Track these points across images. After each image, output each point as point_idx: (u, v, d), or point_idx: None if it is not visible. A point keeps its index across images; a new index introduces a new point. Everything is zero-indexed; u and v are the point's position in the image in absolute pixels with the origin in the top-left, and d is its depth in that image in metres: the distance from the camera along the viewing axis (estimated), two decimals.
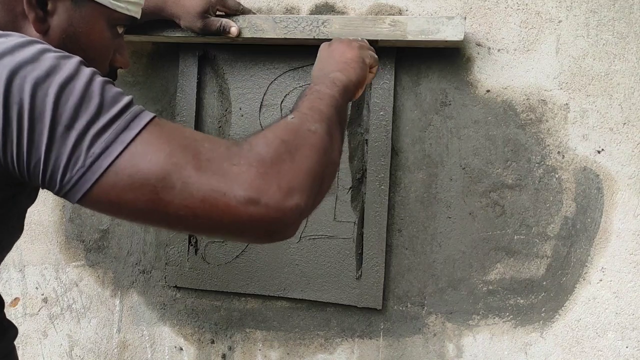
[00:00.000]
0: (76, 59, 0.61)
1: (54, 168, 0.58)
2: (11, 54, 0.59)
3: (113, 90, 0.61)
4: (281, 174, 0.61)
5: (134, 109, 0.61)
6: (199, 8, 1.02)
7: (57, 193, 0.60)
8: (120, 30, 0.83)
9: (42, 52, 0.60)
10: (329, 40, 1.00)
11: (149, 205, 0.59)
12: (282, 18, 1.05)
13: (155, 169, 0.58)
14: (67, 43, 0.74)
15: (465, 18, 0.99)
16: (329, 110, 0.74)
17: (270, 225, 0.60)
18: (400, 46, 1.07)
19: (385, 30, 1.01)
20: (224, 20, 1.05)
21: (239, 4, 1.09)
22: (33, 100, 0.56)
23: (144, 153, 0.58)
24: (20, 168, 0.59)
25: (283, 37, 1.05)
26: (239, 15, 1.08)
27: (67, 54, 0.62)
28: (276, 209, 0.60)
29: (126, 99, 0.61)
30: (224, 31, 1.05)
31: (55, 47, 0.66)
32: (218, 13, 1.08)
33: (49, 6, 0.72)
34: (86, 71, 0.60)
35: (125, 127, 0.59)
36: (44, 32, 0.72)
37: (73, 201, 0.60)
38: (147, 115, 0.61)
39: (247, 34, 1.07)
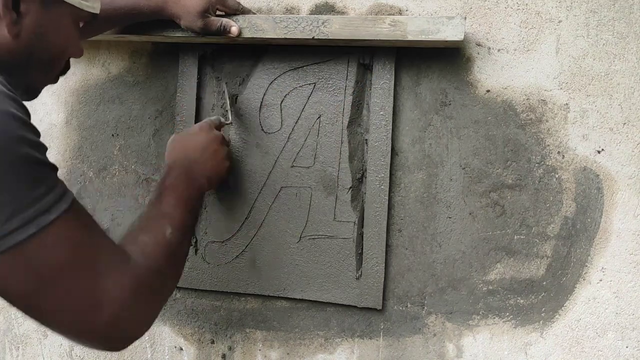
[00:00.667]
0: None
1: None
2: None
3: (44, 163, 0.65)
4: (149, 304, 0.73)
5: (58, 189, 0.66)
6: (199, 7, 1.02)
7: None
8: (81, 25, 0.85)
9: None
10: (328, 39, 1.01)
11: (28, 295, 0.63)
12: (282, 18, 1.05)
13: (55, 263, 0.63)
14: (34, 43, 0.75)
15: (465, 18, 0.99)
16: (193, 225, 0.90)
17: (114, 341, 0.71)
18: (400, 46, 1.07)
19: (385, 30, 1.01)
20: (224, 20, 1.05)
21: (239, 3, 1.09)
22: None
23: (49, 247, 0.63)
24: None
25: (283, 37, 1.06)
26: (238, 15, 1.08)
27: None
28: (129, 333, 0.72)
29: (53, 178, 0.66)
30: (224, 31, 1.05)
31: (23, 47, 0.72)
32: (218, 13, 1.08)
33: (22, 8, 0.73)
34: (30, 149, 0.63)
35: (46, 211, 0.63)
36: (16, 35, 0.73)
37: None
38: (67, 200, 0.66)
39: (247, 34, 1.07)
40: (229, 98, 1.15)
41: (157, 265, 0.75)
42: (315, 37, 1.04)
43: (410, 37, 1.00)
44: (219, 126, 1.06)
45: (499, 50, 1.07)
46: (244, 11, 1.10)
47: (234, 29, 1.05)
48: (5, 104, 0.63)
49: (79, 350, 1.29)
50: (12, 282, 0.62)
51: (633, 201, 1.03)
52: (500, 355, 1.09)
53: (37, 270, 0.62)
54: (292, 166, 1.15)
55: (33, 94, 0.83)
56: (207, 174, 0.97)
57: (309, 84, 1.14)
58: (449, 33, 0.99)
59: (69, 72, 1.26)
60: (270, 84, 1.15)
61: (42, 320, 0.67)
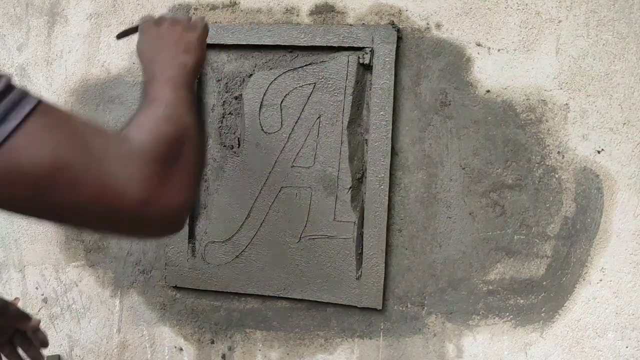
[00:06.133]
0: None
1: None
2: None
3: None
4: (172, 174, 0.63)
5: (14, 94, 0.54)
6: None
7: None
8: None
9: None
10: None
11: (29, 204, 0.55)
12: None
13: (37, 168, 0.53)
14: None
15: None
16: (190, 98, 0.76)
17: (163, 224, 0.62)
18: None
19: None
20: None
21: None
22: None
23: (25, 147, 0.52)
24: None
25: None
26: None
27: None
28: (169, 209, 0.61)
29: (3, 81, 0.54)
30: None
31: None
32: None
33: None
34: None
35: (4, 117, 0.52)
36: None
37: None
38: (30, 102, 0.54)
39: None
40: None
41: (164, 135, 0.65)
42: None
43: None
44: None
45: (499, 50, 1.07)
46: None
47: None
48: None
49: (79, 350, 1.30)
50: (3, 192, 0.54)
51: (633, 201, 1.03)
52: (500, 355, 1.09)
53: (29, 174, 0.53)
54: (292, 166, 1.15)
55: None
56: (182, 49, 0.86)
57: (309, 84, 1.14)
58: None
59: (69, 72, 1.26)
60: (270, 84, 1.15)
61: (87, 229, 0.61)
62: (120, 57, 1.26)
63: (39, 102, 0.55)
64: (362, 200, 1.13)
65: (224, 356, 1.22)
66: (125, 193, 0.57)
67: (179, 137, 0.68)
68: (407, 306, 1.12)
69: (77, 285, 1.29)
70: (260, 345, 1.20)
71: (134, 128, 0.65)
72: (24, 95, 0.55)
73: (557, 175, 1.06)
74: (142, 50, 0.87)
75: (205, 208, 1.20)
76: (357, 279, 1.12)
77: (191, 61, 0.85)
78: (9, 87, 0.54)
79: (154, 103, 0.71)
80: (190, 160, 0.68)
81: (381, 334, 1.14)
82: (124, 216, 0.58)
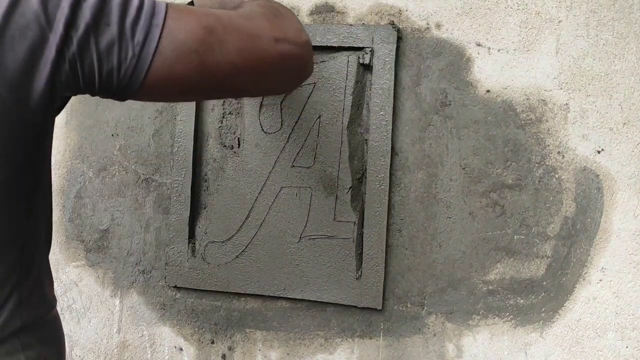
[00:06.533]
0: None
1: (108, 65, 0.61)
2: None
3: None
4: (286, 21, 0.75)
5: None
6: None
7: (113, 91, 0.64)
8: None
9: None
10: None
11: (198, 72, 0.66)
12: None
13: (192, 36, 0.64)
14: None
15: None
16: None
17: (298, 59, 0.75)
18: None
19: None
20: None
21: None
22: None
23: (177, 28, 0.64)
24: (83, 73, 0.61)
25: None
26: None
27: None
28: (297, 44, 0.74)
29: None
30: None
31: None
32: None
33: None
34: None
35: (153, 12, 0.63)
36: None
37: (130, 93, 0.65)
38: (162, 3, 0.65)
39: None
40: None
41: (265, 3, 0.78)
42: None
43: None
44: None
45: (499, 50, 1.07)
46: None
47: None
48: None
49: (79, 350, 1.30)
50: (178, 72, 0.65)
51: (633, 201, 1.03)
52: (500, 355, 1.09)
53: (187, 44, 0.64)
54: (292, 166, 1.15)
55: None
56: None
57: (309, 84, 1.14)
58: None
59: None
60: None
61: (246, 87, 0.76)
62: None
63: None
64: (362, 200, 1.13)
65: (224, 356, 1.22)
66: (260, 36, 0.69)
67: (277, 5, 0.80)
68: (407, 306, 1.12)
69: (77, 285, 1.29)
70: (260, 345, 1.20)
71: (247, 4, 0.77)
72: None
73: (557, 175, 1.06)
74: None
75: (205, 208, 1.20)
76: (357, 279, 1.12)
77: None
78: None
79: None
80: (292, 16, 0.80)
81: (381, 334, 1.14)
82: (267, 58, 0.70)
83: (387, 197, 1.10)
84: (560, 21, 1.04)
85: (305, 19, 1.15)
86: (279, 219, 1.16)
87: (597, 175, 1.04)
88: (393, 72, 1.09)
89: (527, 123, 1.06)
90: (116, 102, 1.25)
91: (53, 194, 0.68)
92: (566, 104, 1.05)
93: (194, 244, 1.20)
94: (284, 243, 1.15)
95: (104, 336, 1.28)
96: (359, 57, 1.11)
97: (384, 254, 1.10)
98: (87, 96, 0.67)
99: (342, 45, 1.11)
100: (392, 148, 1.10)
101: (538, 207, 1.06)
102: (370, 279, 1.11)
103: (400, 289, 1.12)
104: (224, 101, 1.19)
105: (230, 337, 1.21)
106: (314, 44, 1.11)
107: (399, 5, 1.11)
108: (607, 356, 1.05)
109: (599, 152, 1.04)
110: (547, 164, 1.06)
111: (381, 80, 1.09)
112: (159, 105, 1.23)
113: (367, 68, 1.11)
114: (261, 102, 1.16)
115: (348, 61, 1.12)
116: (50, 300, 0.77)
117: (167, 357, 1.25)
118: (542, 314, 1.07)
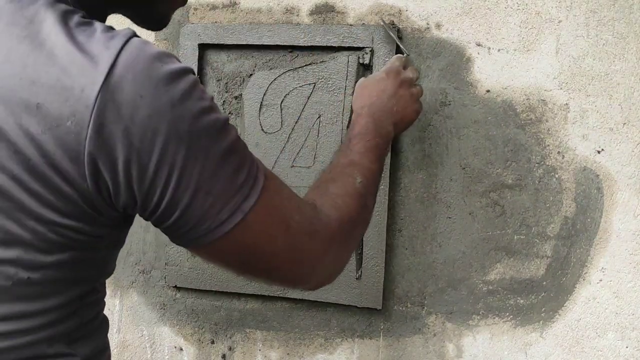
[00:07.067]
0: (224, 117, 0.62)
1: (184, 222, 0.61)
2: (167, 86, 0.56)
3: (241, 146, 0.64)
4: (338, 261, 0.75)
5: (253, 170, 0.63)
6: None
7: (174, 238, 0.66)
8: None
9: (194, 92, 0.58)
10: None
11: (242, 266, 0.68)
12: None
13: (260, 246, 0.64)
14: None
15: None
16: (379, 175, 0.86)
17: (316, 284, 0.74)
18: None
19: None
20: None
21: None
22: (187, 154, 0.57)
23: (252, 227, 0.62)
24: (147, 212, 0.61)
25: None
26: None
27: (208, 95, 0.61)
28: (326, 278, 0.74)
29: (249, 160, 0.63)
30: None
31: None
32: None
33: None
34: (232, 130, 0.63)
35: (247, 196, 0.62)
36: None
37: (186, 247, 0.67)
38: (260, 179, 0.63)
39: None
40: (392, 32, 1.07)
41: (349, 217, 0.75)
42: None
43: None
44: (405, 64, 1.00)
45: (499, 50, 1.07)
46: None
47: None
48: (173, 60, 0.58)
49: None
50: (224, 261, 0.68)
51: (633, 201, 1.03)
52: (500, 355, 1.09)
53: (245, 249, 0.64)
54: (292, 166, 1.15)
55: (165, 23, 0.78)
56: (393, 120, 0.94)
57: (309, 84, 1.14)
58: None
59: None
60: (270, 84, 1.15)
61: (253, 279, 0.83)
62: None
63: (265, 177, 0.64)
64: None
65: (224, 356, 1.22)
66: (302, 263, 0.69)
67: (361, 221, 0.78)
68: (407, 306, 1.12)
69: None
70: (260, 345, 1.20)
71: (327, 199, 0.75)
72: (257, 170, 0.64)
73: (557, 175, 1.06)
74: (360, 93, 0.95)
75: None
76: (357, 279, 1.12)
77: (396, 132, 0.94)
78: (253, 163, 0.64)
79: (351, 169, 0.81)
80: (357, 240, 0.80)
81: (381, 334, 1.14)
82: (292, 278, 0.71)
83: (387, 197, 1.10)
84: (560, 21, 1.04)
85: (305, 19, 1.15)
86: None
87: (597, 175, 1.04)
88: None
89: (527, 123, 1.06)
90: None
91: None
92: (566, 104, 1.05)
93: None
94: None
95: None
96: (359, 57, 1.11)
97: (384, 254, 1.10)
98: None
99: (342, 45, 1.11)
100: (392, 148, 1.10)
101: (538, 207, 1.06)
102: (370, 279, 1.11)
103: (400, 289, 1.12)
104: (224, 101, 1.19)
105: (230, 337, 1.21)
106: (314, 44, 1.12)
107: (399, 5, 1.11)
108: (607, 356, 1.05)
109: (599, 152, 1.04)
110: (547, 164, 1.06)
111: None
112: None
113: (367, 68, 1.11)
114: (261, 102, 1.16)
115: (348, 61, 1.12)
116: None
117: (167, 357, 1.25)
118: (542, 314, 1.07)
